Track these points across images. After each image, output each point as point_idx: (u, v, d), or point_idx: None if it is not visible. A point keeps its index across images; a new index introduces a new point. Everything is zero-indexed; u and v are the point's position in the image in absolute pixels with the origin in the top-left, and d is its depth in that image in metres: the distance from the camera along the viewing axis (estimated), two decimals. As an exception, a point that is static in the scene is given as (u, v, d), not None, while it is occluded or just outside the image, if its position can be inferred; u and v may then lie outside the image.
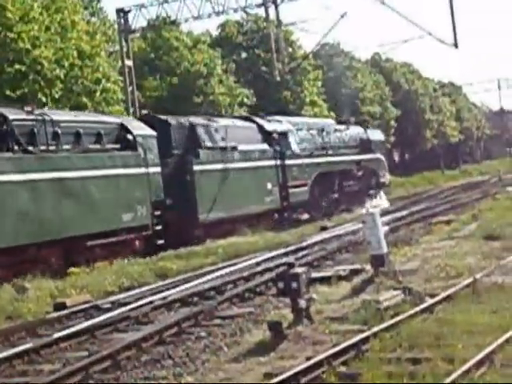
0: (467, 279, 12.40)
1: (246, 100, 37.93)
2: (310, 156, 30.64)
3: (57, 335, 11.67)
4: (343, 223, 26.95)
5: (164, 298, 14.52)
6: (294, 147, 29.77)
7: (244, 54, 43.51)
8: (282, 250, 20.12)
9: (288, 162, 28.86)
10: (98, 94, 26.34)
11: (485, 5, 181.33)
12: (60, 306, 14.49)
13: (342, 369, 8.52)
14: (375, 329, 9.67)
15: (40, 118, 18.65)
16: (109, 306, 14.35)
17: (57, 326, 13.05)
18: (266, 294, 14.36)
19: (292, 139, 29.81)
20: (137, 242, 21.08)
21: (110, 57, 30.68)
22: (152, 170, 21.83)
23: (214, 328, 11.74)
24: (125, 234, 20.53)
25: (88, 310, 14.15)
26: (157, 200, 21.87)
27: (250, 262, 18.35)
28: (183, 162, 23.86)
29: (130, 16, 31.03)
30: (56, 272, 17.67)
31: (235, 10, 30.95)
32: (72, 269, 18.18)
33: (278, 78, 35.22)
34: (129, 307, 13.72)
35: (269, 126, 28.88)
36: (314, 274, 14.15)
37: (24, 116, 18.40)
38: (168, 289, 15.56)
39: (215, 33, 43.45)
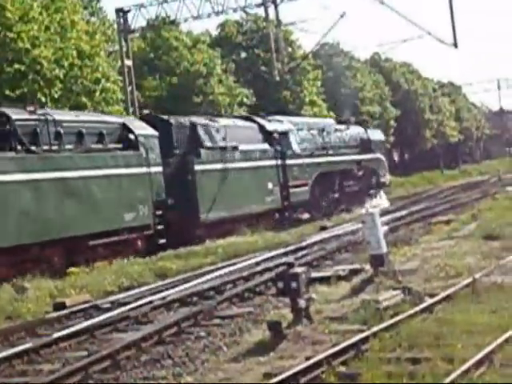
0: (467, 279, 12.40)
1: (245, 100, 37.94)
2: (311, 156, 30.71)
3: (56, 335, 11.67)
4: (342, 223, 26.97)
5: (163, 297, 14.53)
6: (295, 147, 29.83)
7: (243, 54, 43.53)
8: (282, 250, 20.12)
9: (289, 161, 28.94)
10: (97, 93, 26.34)
11: (484, 5, 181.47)
12: (59, 306, 14.50)
13: (342, 369, 8.52)
14: (375, 329, 9.67)
15: (43, 117, 18.74)
16: (108, 305, 14.35)
17: (56, 325, 13.05)
18: (265, 293, 14.37)
19: (293, 139, 29.88)
20: (139, 242, 21.16)
21: (110, 56, 30.67)
22: (154, 169, 21.92)
23: (213, 328, 11.74)
24: (127, 234, 20.62)
25: (87, 309, 14.15)
26: (158, 200, 21.94)
27: (249, 262, 18.36)
28: (184, 162, 23.94)
29: (130, 16, 31.03)
30: (55, 272, 17.69)
31: (235, 10, 30.93)
32: (71, 269, 18.19)
33: (278, 78, 35.21)
34: (128, 307, 13.73)
35: (270, 126, 28.95)
36: (314, 274, 14.14)
37: (27, 116, 18.48)
38: (167, 289, 15.56)
39: (215, 33, 43.51)
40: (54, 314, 13.94)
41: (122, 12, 30.97)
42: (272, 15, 31.82)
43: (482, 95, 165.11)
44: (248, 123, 28.52)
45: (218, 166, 25.05)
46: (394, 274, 13.98)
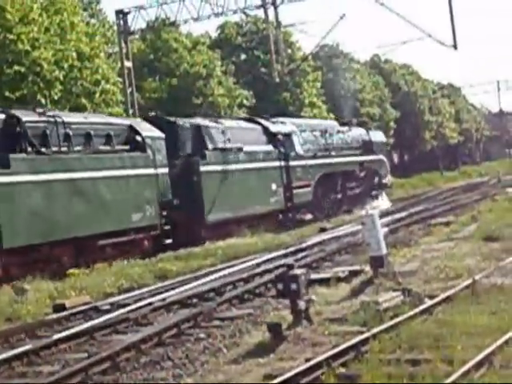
0: (466, 280, 12.39)
1: (245, 101, 37.99)
2: (314, 157, 30.87)
3: (56, 337, 11.66)
4: (342, 224, 26.98)
5: (163, 299, 14.52)
6: (298, 148, 29.98)
7: (243, 56, 43.58)
8: (282, 252, 20.12)
9: (292, 163, 29.12)
10: (97, 95, 26.37)
11: (484, 7, 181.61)
12: (59, 308, 14.49)
13: (342, 370, 8.51)
14: (374, 330, 9.66)
15: (52, 119, 19.03)
16: (108, 307, 14.34)
17: (56, 327, 13.04)
18: (265, 295, 14.36)
19: (296, 141, 30.04)
20: (145, 242, 21.42)
21: (110, 58, 30.69)
22: (160, 170, 22.21)
23: (213, 329, 11.73)
24: (134, 234, 20.90)
25: (87, 311, 14.14)
26: (164, 200, 22.22)
27: (249, 264, 18.36)
28: (190, 163, 24.12)
29: (130, 17, 31.07)
30: (55, 273, 17.74)
31: (234, 12, 30.99)
32: (71, 270, 18.24)
33: (278, 80, 35.24)
34: (128, 309, 13.72)
35: (273, 128, 29.13)
36: (314, 276, 14.16)
37: (36, 118, 18.78)
38: (167, 290, 15.55)
39: (214, 34, 43.58)
40: (54, 316, 13.93)
41: (121, 14, 31.00)
42: (272, 17, 31.92)
43: (482, 97, 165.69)
44: (252, 125, 28.69)
45: (223, 167, 25.25)
46: (394, 276, 13.97)
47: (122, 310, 13.63)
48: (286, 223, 28.14)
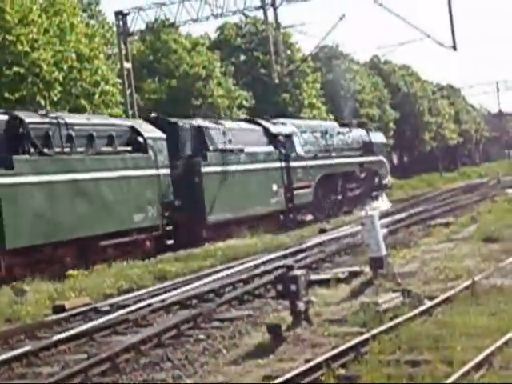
0: (466, 281, 12.39)
1: (244, 102, 37.99)
2: (314, 158, 30.93)
3: (56, 338, 11.66)
4: (342, 225, 26.98)
5: (163, 300, 14.53)
6: (299, 149, 30.05)
7: (243, 57, 43.59)
8: (281, 253, 20.13)
9: (293, 164, 29.20)
10: (96, 96, 26.36)
11: (483, 8, 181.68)
12: (59, 309, 14.49)
13: (341, 371, 8.52)
14: (374, 331, 9.66)
15: (55, 121, 19.14)
16: (108, 308, 14.36)
17: (56, 328, 13.05)
18: (264, 296, 14.37)
19: (297, 142, 30.12)
20: (147, 242, 21.49)
21: (109, 59, 30.66)
22: (162, 171, 22.31)
23: (212, 330, 11.73)
24: (136, 235, 20.98)
25: (87, 312, 14.15)
26: (166, 201, 22.31)
27: (248, 265, 18.36)
28: (191, 164, 24.20)
29: (129, 18, 31.05)
30: (55, 274, 17.76)
31: (234, 13, 30.97)
32: (71, 271, 18.25)
33: (277, 81, 35.23)
34: (128, 310, 13.73)
35: (274, 129, 29.20)
36: (313, 277, 14.15)
37: (39, 119, 18.90)
38: (167, 291, 15.55)
39: (214, 35, 43.57)
40: (54, 317, 13.94)
41: (121, 15, 31.00)
42: (271, 18, 31.87)
43: (481, 97, 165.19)
44: (253, 126, 28.76)
45: (224, 168, 25.32)
46: (394, 277, 13.97)
47: (121, 311, 13.63)
48: (286, 224, 28.19)
